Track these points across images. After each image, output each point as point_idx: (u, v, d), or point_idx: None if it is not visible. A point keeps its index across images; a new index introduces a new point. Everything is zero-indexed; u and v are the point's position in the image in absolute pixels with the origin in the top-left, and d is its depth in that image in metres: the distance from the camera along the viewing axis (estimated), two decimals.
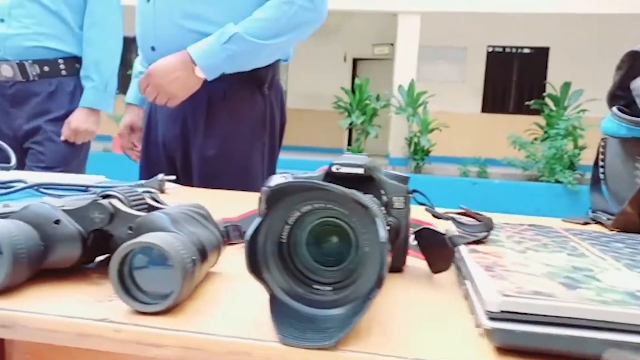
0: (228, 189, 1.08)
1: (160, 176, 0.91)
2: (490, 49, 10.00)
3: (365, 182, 0.45)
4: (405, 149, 8.03)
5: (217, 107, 1.19)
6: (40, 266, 0.38)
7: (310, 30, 1.17)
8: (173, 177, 0.93)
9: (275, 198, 0.34)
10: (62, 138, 1.65)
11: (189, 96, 1.18)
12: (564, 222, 0.75)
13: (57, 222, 0.39)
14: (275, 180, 0.47)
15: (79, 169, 1.72)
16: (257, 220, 0.34)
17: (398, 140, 8.21)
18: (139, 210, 0.41)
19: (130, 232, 0.38)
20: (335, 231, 0.37)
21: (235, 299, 0.39)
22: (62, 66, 1.66)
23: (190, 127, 1.21)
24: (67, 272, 0.40)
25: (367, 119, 7.78)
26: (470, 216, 0.45)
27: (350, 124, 7.97)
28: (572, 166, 6.75)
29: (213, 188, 1.05)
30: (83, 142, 1.70)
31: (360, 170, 0.44)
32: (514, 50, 10.01)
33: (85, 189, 0.90)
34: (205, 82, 1.17)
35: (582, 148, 6.83)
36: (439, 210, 0.49)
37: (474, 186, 6.69)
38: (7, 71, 1.62)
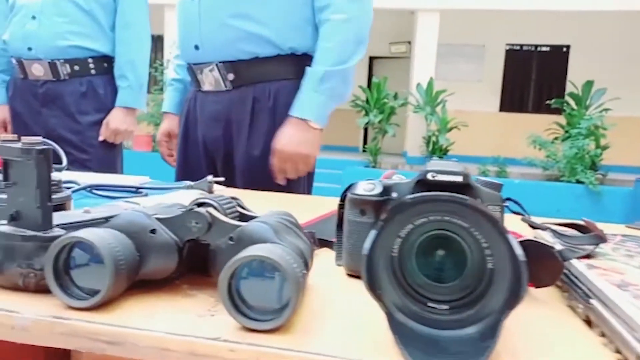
0: (271, 190, 1.07)
1: (210, 178, 0.90)
2: (509, 47, 9.88)
3: (462, 190, 0.43)
4: (422, 147, 7.96)
5: (262, 106, 1.18)
6: (135, 277, 0.37)
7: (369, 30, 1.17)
8: (222, 179, 0.92)
9: (395, 211, 0.32)
10: (101, 139, 1.65)
11: (234, 95, 1.17)
12: (628, 229, 0.72)
13: (152, 231, 0.37)
14: (364, 187, 0.45)
15: (119, 169, 1.72)
16: (373, 234, 0.32)
17: (416, 138, 8.15)
18: (232, 218, 0.39)
19: (231, 242, 0.36)
20: (447, 245, 0.35)
21: (340, 315, 0.36)
22: (91, 65, 1.66)
23: (234, 127, 1.20)
24: (156, 283, 0.39)
25: (384, 117, 7.72)
26: (583, 228, 0.43)
27: (368, 123, 7.92)
28: (593, 166, 6.63)
29: (256, 189, 1.04)
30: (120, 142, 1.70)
31: (459, 178, 0.42)
32: (532, 48, 9.88)
33: (135, 190, 0.89)
34: (250, 82, 1.16)
35: (605, 148, 6.71)
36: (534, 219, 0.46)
37: None
38: (38, 70, 1.62)
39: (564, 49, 9.73)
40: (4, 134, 1.49)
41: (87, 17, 1.61)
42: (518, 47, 9.93)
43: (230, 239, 0.36)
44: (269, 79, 1.17)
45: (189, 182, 0.93)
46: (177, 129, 1.40)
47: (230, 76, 1.18)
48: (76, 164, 1.63)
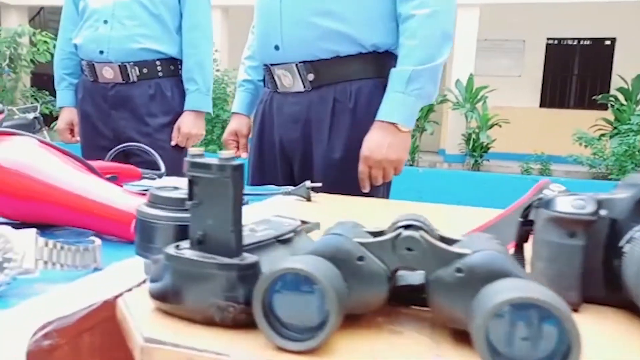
0: (350, 195, 1.02)
1: (308, 183, 0.85)
2: (549, 42, 9.60)
3: None
4: (462, 145, 7.81)
5: (343, 107, 1.13)
6: (345, 312, 0.32)
7: (455, 24, 1.11)
8: (319, 184, 0.87)
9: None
10: (173, 143, 1.64)
11: (314, 96, 1.13)
12: None
13: (360, 259, 0.32)
14: (572, 203, 0.39)
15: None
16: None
17: (454, 136, 7.99)
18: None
19: (459, 274, 0.31)
20: None
21: None
22: (159, 68, 1.65)
23: (314, 128, 1.16)
24: (352, 317, 0.34)
25: (423, 115, 7.60)
26: None
27: None
28: None
29: (336, 193, 0.99)
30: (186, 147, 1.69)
31: None
32: (574, 42, 9.57)
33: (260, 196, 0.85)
34: (330, 82, 1.12)
35: None
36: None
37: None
38: (109, 73, 1.62)
39: (609, 42, 9.40)
40: (71, 138, 1.48)
41: (155, 20, 1.60)
42: (559, 41, 9.64)
43: (458, 270, 0.31)
44: (350, 79, 1.13)
45: (287, 188, 0.89)
46: (245, 129, 1.37)
47: (310, 76, 1.14)
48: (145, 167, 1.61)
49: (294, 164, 1.22)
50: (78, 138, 1.76)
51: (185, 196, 0.36)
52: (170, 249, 0.34)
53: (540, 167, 7.03)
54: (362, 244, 0.33)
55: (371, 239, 0.33)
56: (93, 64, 1.62)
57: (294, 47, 1.12)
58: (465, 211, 0.80)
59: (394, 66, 1.17)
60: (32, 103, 4.77)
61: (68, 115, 1.75)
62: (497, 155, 7.76)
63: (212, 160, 0.33)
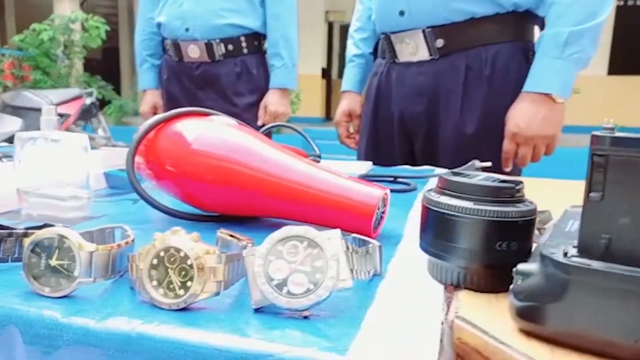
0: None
1: (477, 163, 0.75)
2: (620, 3, 9.01)
3: None
4: None
5: (477, 75, 1.02)
6: None
7: None
8: (489, 164, 0.77)
9: None
10: (260, 123, 1.56)
11: (442, 64, 1.02)
12: None
13: None
14: None
15: None
16: None
17: None
18: None
19: None
20: None
21: None
22: (243, 44, 1.56)
23: (442, 101, 1.05)
24: None
25: None
26: None
27: None
28: None
29: None
30: None
31: None
32: None
33: (393, 179, 0.76)
34: (462, 48, 1.01)
35: None
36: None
37: None
38: (194, 52, 1.54)
39: None
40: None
41: None
42: (631, 3, 9.05)
43: None
44: (485, 43, 1.01)
45: (440, 169, 0.79)
46: (359, 108, 1.27)
47: (439, 42, 1.03)
48: None
49: (415, 141, 1.12)
50: None
51: (502, 185, 0.27)
52: (559, 256, 0.25)
53: None
54: None
55: None
56: (178, 43, 1.55)
57: (423, 11, 1.01)
58: None
59: (535, 28, 1.05)
60: (85, 88, 4.81)
61: (151, 97, 1.69)
62: (567, 128, 7.39)
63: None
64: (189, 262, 0.29)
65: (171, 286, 0.29)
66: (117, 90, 7.02)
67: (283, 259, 0.28)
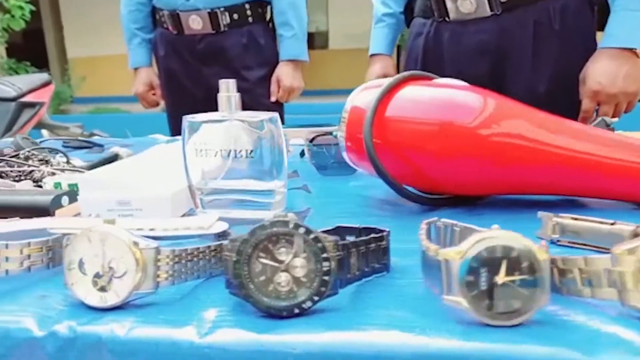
0: None
1: (608, 119, 0.71)
2: None
3: None
4: None
5: (546, 30, 0.97)
6: None
7: None
8: (615, 119, 0.73)
9: None
10: (274, 99, 1.44)
11: (507, 20, 0.97)
12: None
13: None
14: None
15: None
16: None
17: None
18: None
19: None
20: None
21: None
22: (248, 12, 1.42)
23: (510, 59, 1.00)
24: None
25: None
26: None
27: None
28: None
29: None
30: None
31: None
32: None
33: None
34: (529, 1, 0.96)
35: None
36: None
37: None
38: (196, 23, 1.39)
39: None
40: (153, 95, 1.29)
41: None
42: None
43: None
44: None
45: None
46: (394, 72, 1.20)
47: None
48: None
49: None
50: (160, 101, 1.55)
51: None
52: None
53: None
54: None
55: None
56: (177, 14, 1.39)
57: None
58: None
59: None
60: (10, 75, 4.37)
61: (145, 76, 1.52)
62: None
63: None
64: None
65: None
66: None
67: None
